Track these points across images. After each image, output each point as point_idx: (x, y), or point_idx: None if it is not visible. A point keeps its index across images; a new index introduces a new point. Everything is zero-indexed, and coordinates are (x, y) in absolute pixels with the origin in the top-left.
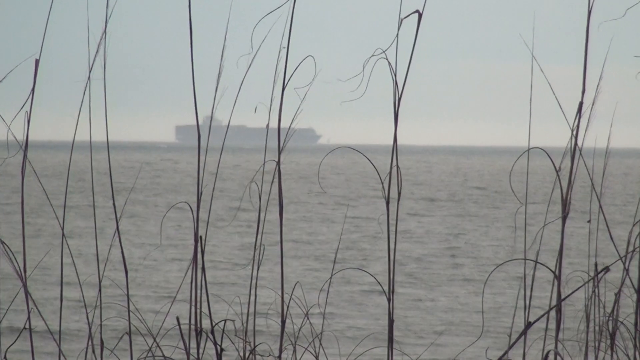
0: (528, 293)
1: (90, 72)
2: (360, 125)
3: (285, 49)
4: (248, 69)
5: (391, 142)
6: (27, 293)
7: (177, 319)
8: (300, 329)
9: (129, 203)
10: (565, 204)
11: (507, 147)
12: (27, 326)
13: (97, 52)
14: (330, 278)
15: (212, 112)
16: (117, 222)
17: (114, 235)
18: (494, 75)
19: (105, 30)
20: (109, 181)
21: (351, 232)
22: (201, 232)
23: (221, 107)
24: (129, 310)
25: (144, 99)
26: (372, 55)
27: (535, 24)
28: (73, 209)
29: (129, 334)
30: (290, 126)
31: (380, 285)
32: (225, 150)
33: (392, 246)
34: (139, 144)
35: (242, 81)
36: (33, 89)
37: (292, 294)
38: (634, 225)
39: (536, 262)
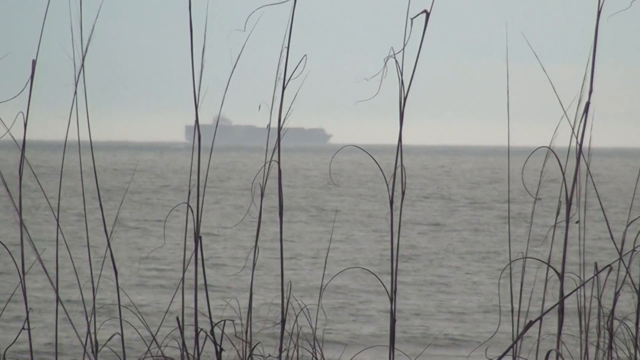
0: (529, 293)
1: (77, 76)
2: (373, 125)
3: (287, 49)
4: (235, 64)
5: (406, 142)
6: (24, 293)
7: (177, 319)
8: (300, 329)
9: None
10: (570, 204)
11: (500, 146)
12: (25, 326)
13: (83, 58)
14: (327, 279)
15: (196, 112)
16: (104, 222)
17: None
18: (489, 76)
19: (88, 42)
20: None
21: (355, 230)
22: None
23: (231, 108)
24: (119, 308)
25: (152, 99)
26: (389, 57)
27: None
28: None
29: (121, 334)
30: (281, 125)
31: (383, 285)
32: (235, 149)
33: (394, 245)
34: (152, 144)
35: (230, 77)
36: (30, 90)
37: (290, 293)
38: (628, 224)
39: (538, 260)
